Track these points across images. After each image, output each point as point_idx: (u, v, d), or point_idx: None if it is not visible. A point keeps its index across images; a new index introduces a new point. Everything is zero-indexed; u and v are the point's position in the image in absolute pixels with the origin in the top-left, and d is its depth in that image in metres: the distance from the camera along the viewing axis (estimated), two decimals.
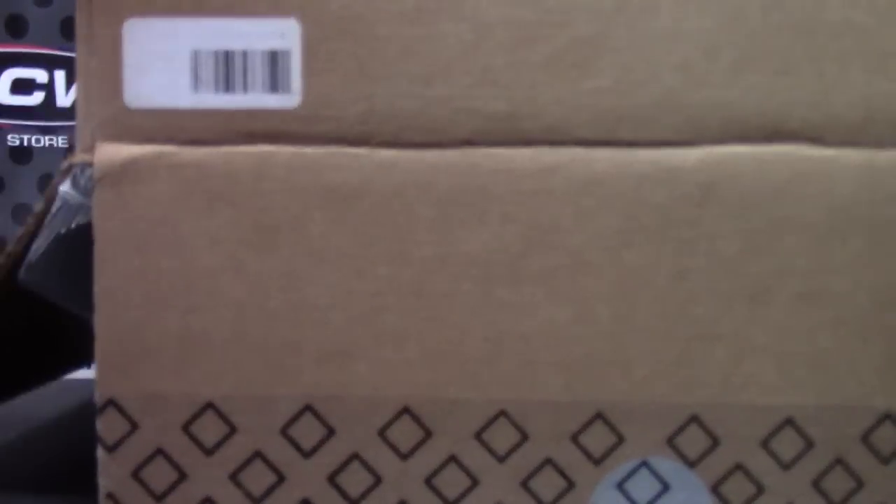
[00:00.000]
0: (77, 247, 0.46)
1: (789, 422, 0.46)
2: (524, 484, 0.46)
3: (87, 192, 0.46)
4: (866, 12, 0.46)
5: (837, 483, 0.47)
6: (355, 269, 0.46)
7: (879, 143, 0.46)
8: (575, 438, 0.46)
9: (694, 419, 0.46)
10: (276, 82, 0.46)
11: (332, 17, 0.45)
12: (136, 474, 0.46)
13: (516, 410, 0.46)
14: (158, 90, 0.46)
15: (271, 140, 0.46)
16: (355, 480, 0.46)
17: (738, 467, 0.47)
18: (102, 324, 0.46)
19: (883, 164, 0.46)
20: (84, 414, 0.48)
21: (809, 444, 0.47)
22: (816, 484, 0.47)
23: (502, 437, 0.46)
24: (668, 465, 0.47)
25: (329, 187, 0.46)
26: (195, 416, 0.46)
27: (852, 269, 0.46)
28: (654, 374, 0.46)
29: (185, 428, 0.46)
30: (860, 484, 0.47)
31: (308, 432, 0.46)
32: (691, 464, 0.47)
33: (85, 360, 0.72)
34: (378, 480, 0.46)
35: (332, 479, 0.46)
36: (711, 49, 0.46)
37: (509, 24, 0.46)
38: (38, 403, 0.75)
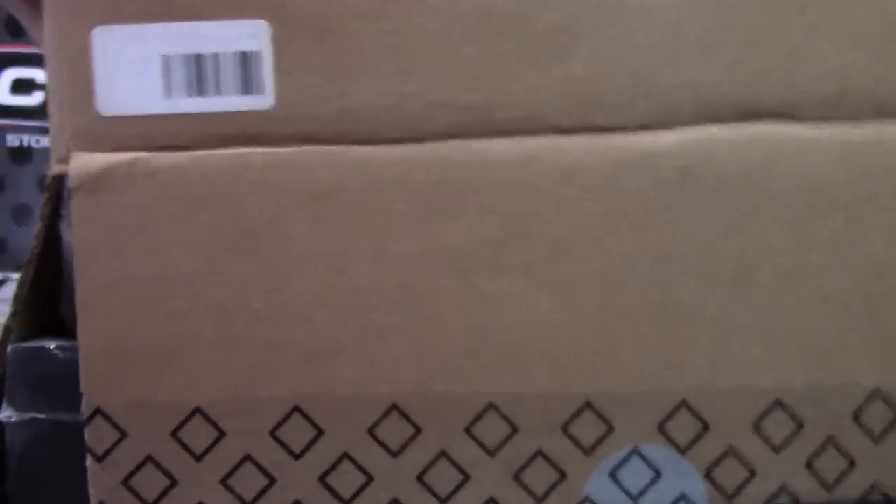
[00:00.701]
0: None
1: (779, 403, 0.46)
2: (516, 477, 0.46)
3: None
4: None
5: (830, 463, 0.46)
6: (336, 267, 0.46)
7: (854, 118, 0.46)
8: (565, 429, 0.46)
9: (683, 404, 0.46)
10: (248, 84, 0.46)
11: (301, 17, 0.45)
12: (126, 482, 0.46)
13: (505, 403, 0.46)
14: (130, 97, 0.45)
15: (246, 142, 0.46)
16: (346, 480, 0.46)
17: (730, 452, 0.46)
18: (85, 333, 0.46)
19: (859, 140, 0.46)
20: None
21: (800, 425, 0.46)
22: (809, 465, 0.46)
23: (492, 430, 0.46)
24: (659, 453, 0.46)
25: (306, 187, 0.46)
26: (183, 422, 0.46)
27: (833, 245, 0.46)
28: (641, 361, 0.46)
29: (174, 434, 0.46)
30: (852, 463, 0.46)
31: (297, 433, 0.46)
32: (683, 450, 0.46)
33: None
34: (369, 479, 0.46)
35: (323, 479, 0.46)
36: (678, 27, 0.46)
37: (479, 14, 0.45)
38: None
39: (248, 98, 0.46)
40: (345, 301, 0.46)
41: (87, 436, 0.46)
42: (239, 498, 0.46)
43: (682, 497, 0.46)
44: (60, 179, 0.46)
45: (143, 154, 0.46)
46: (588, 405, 0.46)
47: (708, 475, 0.46)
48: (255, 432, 0.46)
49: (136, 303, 0.46)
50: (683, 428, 0.46)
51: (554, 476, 0.46)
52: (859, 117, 0.46)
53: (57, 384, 0.47)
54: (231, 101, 0.46)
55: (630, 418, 0.46)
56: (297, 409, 0.46)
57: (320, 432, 0.46)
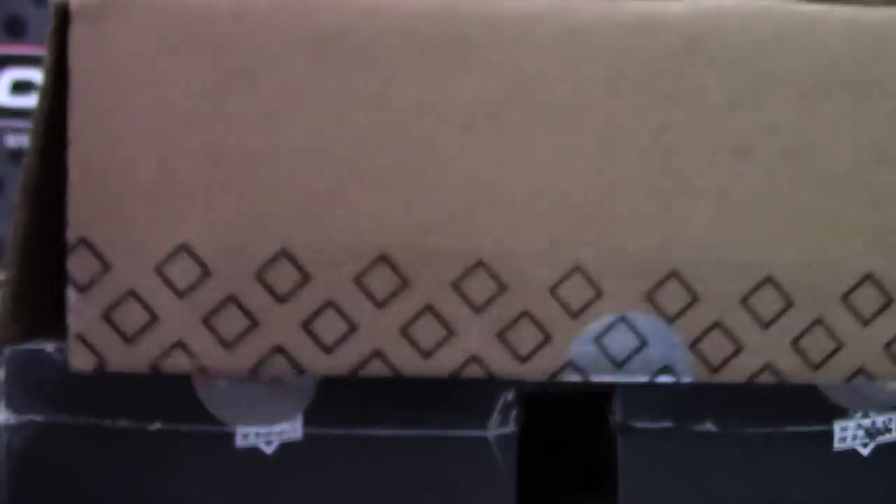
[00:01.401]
0: None
1: (769, 280, 0.46)
2: (500, 335, 0.46)
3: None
4: None
5: (817, 343, 0.46)
6: (336, 112, 0.45)
7: (864, 0, 0.46)
8: (553, 291, 0.46)
9: (673, 275, 0.46)
10: None
11: None
12: (106, 315, 0.45)
13: (494, 261, 0.46)
14: None
15: None
16: (329, 328, 0.46)
17: (717, 325, 0.46)
18: (76, 163, 0.45)
19: (869, 22, 0.46)
20: None
21: (789, 303, 0.46)
22: (795, 343, 0.46)
23: (480, 287, 0.46)
24: (646, 321, 0.46)
25: (311, 29, 0.45)
26: (168, 258, 0.45)
27: (836, 127, 0.46)
28: (634, 228, 0.46)
29: (158, 269, 0.45)
30: (840, 345, 0.46)
31: (283, 278, 0.45)
32: (670, 320, 0.46)
33: None
34: (353, 328, 0.45)
35: (305, 325, 0.45)
36: None
37: None
38: None
39: None
40: (342, 148, 0.45)
41: (69, 266, 0.45)
42: (219, 339, 0.45)
43: (666, 367, 0.46)
44: (65, 9, 0.45)
45: None
46: (578, 269, 0.46)
47: (693, 346, 0.46)
48: (241, 273, 0.45)
49: (128, 135, 0.45)
50: (672, 298, 0.46)
51: (539, 337, 0.46)
52: (869, 0, 0.46)
53: (55, 387, 0.47)
54: None
55: (619, 285, 0.46)
56: (284, 252, 0.45)
57: (306, 277, 0.45)
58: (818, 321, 0.46)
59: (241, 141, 0.45)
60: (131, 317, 0.45)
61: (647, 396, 0.48)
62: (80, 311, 0.45)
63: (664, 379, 0.46)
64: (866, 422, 0.48)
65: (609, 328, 0.46)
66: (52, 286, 0.46)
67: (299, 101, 0.45)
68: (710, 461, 0.48)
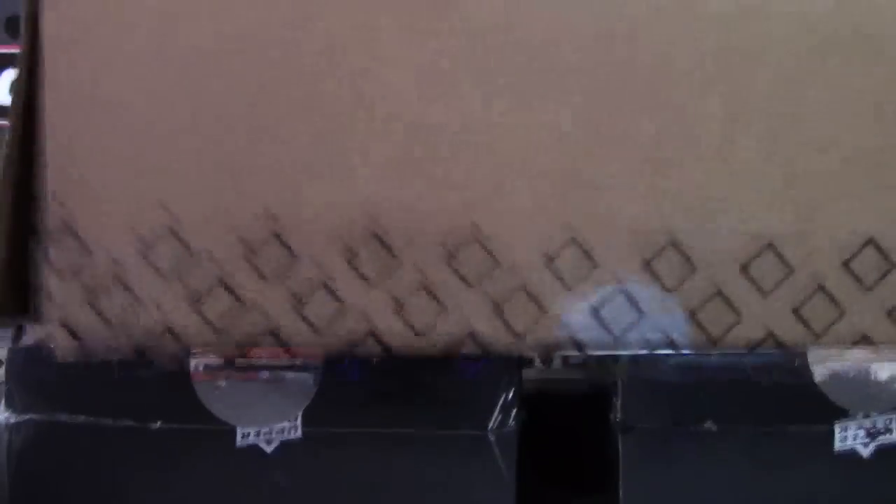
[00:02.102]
0: None
1: (769, 247, 0.45)
2: (495, 310, 0.45)
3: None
4: None
5: (818, 311, 0.45)
6: (315, 86, 0.44)
7: None
8: (548, 263, 0.45)
9: (671, 243, 0.45)
10: None
11: None
12: (90, 301, 0.44)
13: (487, 234, 0.45)
14: None
15: None
16: (321, 308, 0.45)
17: (717, 294, 0.45)
18: (53, 144, 0.44)
19: None
20: None
21: (790, 271, 0.45)
22: (797, 311, 0.45)
23: (473, 262, 0.45)
24: (644, 291, 0.45)
25: None
26: (153, 241, 0.44)
27: (832, 88, 0.45)
28: (630, 195, 0.44)
29: (142, 252, 0.44)
30: (842, 312, 0.45)
31: (271, 258, 0.45)
32: (669, 290, 0.45)
33: None
34: (344, 308, 0.45)
35: (296, 306, 0.44)
36: None
37: None
38: None
39: None
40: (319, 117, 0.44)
41: (50, 252, 0.43)
42: (208, 322, 0.44)
43: (665, 339, 0.45)
44: None
45: None
46: (572, 240, 0.44)
47: (693, 317, 0.45)
48: (228, 255, 0.44)
49: (106, 112, 0.44)
50: (670, 267, 0.45)
51: (535, 311, 0.45)
52: None
53: (55, 386, 0.46)
54: None
55: (616, 254, 0.45)
56: (272, 232, 0.44)
57: (295, 257, 0.44)
58: (819, 288, 0.45)
59: (225, 109, 0.44)
60: (115, 301, 0.44)
61: (647, 396, 0.47)
62: (62, 298, 0.44)
63: (664, 351, 0.45)
64: (867, 422, 0.47)
65: (606, 300, 0.45)
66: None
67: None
68: (710, 461, 0.47)
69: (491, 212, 0.44)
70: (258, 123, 0.43)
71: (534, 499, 0.50)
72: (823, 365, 0.47)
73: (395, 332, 0.44)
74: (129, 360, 0.45)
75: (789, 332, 0.45)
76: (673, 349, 0.45)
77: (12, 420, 0.46)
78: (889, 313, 0.45)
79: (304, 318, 0.44)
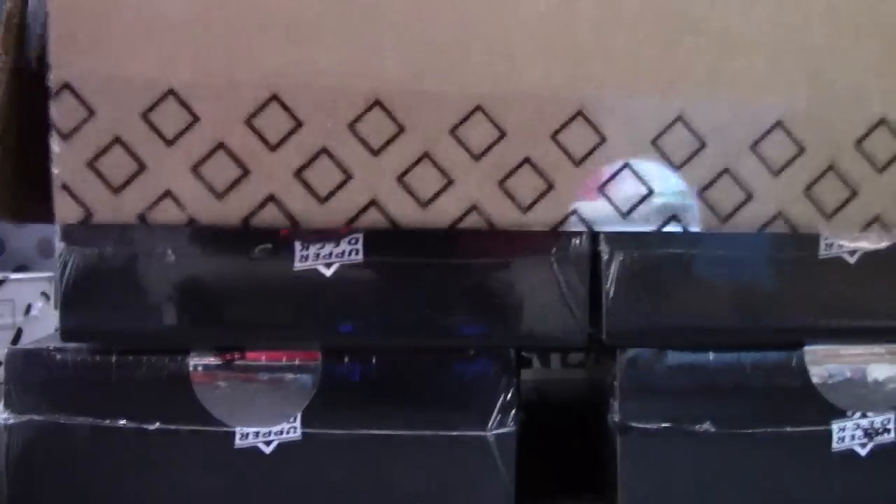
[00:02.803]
0: None
1: (780, 125, 0.44)
2: (501, 183, 0.44)
3: None
4: None
5: (830, 191, 0.44)
6: None
7: None
8: (554, 137, 0.44)
9: (679, 119, 0.44)
10: None
11: None
12: (92, 164, 0.43)
13: (493, 105, 0.44)
14: None
15: None
16: (324, 176, 0.44)
17: (726, 171, 0.44)
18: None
19: None
20: None
21: (801, 149, 0.44)
22: (808, 190, 0.44)
23: (479, 133, 0.44)
24: (652, 168, 0.44)
25: None
26: (155, 104, 0.44)
27: None
28: (639, 69, 0.44)
29: (145, 115, 0.43)
30: (853, 192, 0.44)
31: (274, 124, 0.44)
32: (677, 167, 0.44)
33: None
34: (348, 177, 0.44)
35: (299, 174, 0.44)
36: None
37: None
38: None
39: None
40: None
41: (52, 112, 0.43)
42: (209, 187, 0.43)
43: (673, 217, 0.44)
44: None
45: None
46: (580, 113, 0.44)
47: (702, 194, 0.44)
48: (230, 119, 0.44)
49: None
50: (679, 144, 0.44)
51: (541, 185, 0.44)
52: None
53: (55, 387, 0.46)
54: None
55: (624, 130, 0.44)
56: (274, 97, 0.43)
57: (298, 124, 0.44)
58: (831, 168, 0.44)
59: None
60: (118, 165, 0.43)
61: (645, 397, 0.46)
62: (65, 160, 0.43)
63: (672, 227, 0.44)
64: (864, 422, 0.46)
65: (614, 176, 0.44)
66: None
67: None
68: (709, 461, 0.46)
69: (497, 83, 0.44)
70: None
71: (533, 499, 0.50)
72: (822, 366, 0.46)
73: (399, 202, 0.44)
74: (129, 360, 0.46)
75: (800, 211, 0.44)
76: (681, 226, 0.44)
77: (11, 421, 0.46)
78: None
79: (307, 185, 0.43)
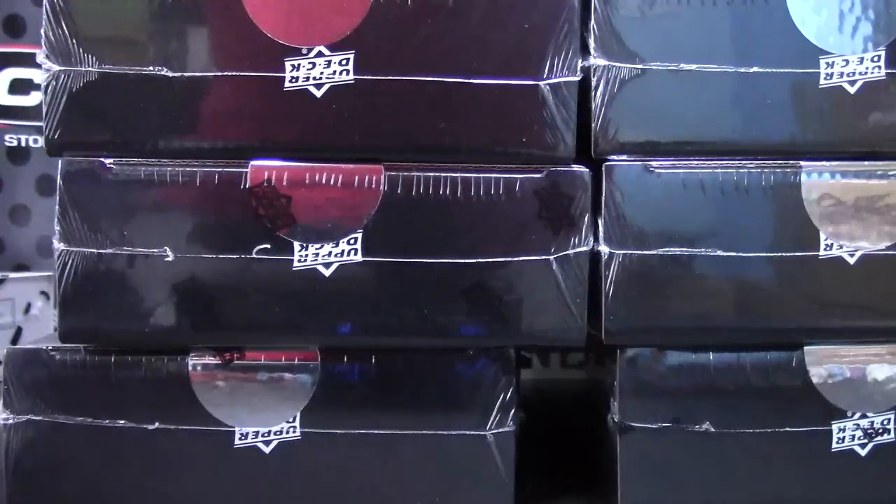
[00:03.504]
0: None
1: None
2: None
3: None
4: None
5: None
6: None
7: None
8: None
9: None
10: None
11: None
12: None
13: None
14: None
15: None
16: None
17: None
18: None
19: None
20: None
21: None
22: None
23: None
24: None
25: None
26: None
27: None
28: None
29: None
30: None
31: None
32: None
33: None
34: None
35: None
36: None
37: None
38: None
39: None
40: None
41: None
42: None
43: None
44: None
45: None
46: None
47: None
48: None
49: None
50: None
51: None
52: None
53: (54, 387, 0.46)
54: None
55: None
56: None
57: None
58: None
59: None
60: None
61: (645, 397, 0.46)
62: None
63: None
64: (864, 422, 0.46)
65: None
66: None
67: None
68: (709, 461, 0.46)
69: None
70: None
71: (533, 499, 0.50)
72: (822, 366, 0.46)
73: None
74: (128, 360, 0.46)
75: None
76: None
77: (10, 421, 0.46)
78: None
79: None
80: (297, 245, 0.45)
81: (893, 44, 0.45)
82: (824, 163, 0.46)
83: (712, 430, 0.46)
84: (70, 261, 0.44)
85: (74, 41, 0.44)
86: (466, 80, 0.44)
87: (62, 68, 0.44)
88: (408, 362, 0.46)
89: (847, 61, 0.45)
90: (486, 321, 0.45)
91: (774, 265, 0.45)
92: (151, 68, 0.44)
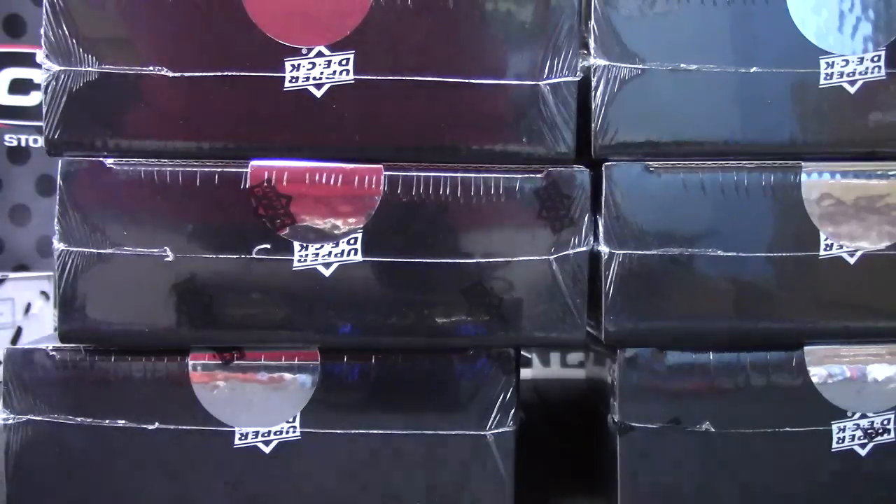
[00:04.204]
0: None
1: None
2: None
3: None
4: None
5: None
6: None
7: None
8: None
9: None
10: None
11: None
12: None
13: None
14: None
15: None
16: None
17: None
18: None
19: None
20: None
21: None
22: None
23: None
24: None
25: None
26: None
27: None
28: None
29: None
30: None
31: None
32: None
33: None
34: None
35: None
36: None
37: None
38: None
39: None
40: None
41: None
42: None
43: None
44: None
45: None
46: None
47: None
48: None
49: None
50: None
51: None
52: None
53: (54, 387, 0.46)
54: None
55: None
56: None
57: None
58: None
59: None
60: None
61: (645, 397, 0.46)
62: None
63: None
64: (864, 422, 0.46)
65: None
66: None
67: None
68: (709, 461, 0.46)
69: None
70: None
71: (532, 499, 0.50)
72: (822, 366, 0.46)
73: None
74: (127, 360, 0.45)
75: None
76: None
77: (10, 421, 0.46)
78: None
79: None
80: (297, 245, 0.45)
81: (893, 44, 0.45)
82: (824, 163, 0.46)
83: (712, 430, 0.46)
84: (70, 261, 0.44)
85: (74, 41, 0.44)
86: (466, 80, 0.44)
87: (62, 68, 0.44)
88: (408, 362, 0.46)
89: (847, 61, 0.45)
90: (486, 321, 0.45)
91: (774, 265, 0.45)
92: (151, 68, 0.44)
